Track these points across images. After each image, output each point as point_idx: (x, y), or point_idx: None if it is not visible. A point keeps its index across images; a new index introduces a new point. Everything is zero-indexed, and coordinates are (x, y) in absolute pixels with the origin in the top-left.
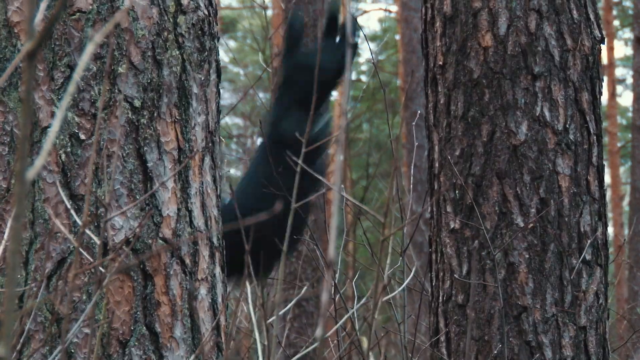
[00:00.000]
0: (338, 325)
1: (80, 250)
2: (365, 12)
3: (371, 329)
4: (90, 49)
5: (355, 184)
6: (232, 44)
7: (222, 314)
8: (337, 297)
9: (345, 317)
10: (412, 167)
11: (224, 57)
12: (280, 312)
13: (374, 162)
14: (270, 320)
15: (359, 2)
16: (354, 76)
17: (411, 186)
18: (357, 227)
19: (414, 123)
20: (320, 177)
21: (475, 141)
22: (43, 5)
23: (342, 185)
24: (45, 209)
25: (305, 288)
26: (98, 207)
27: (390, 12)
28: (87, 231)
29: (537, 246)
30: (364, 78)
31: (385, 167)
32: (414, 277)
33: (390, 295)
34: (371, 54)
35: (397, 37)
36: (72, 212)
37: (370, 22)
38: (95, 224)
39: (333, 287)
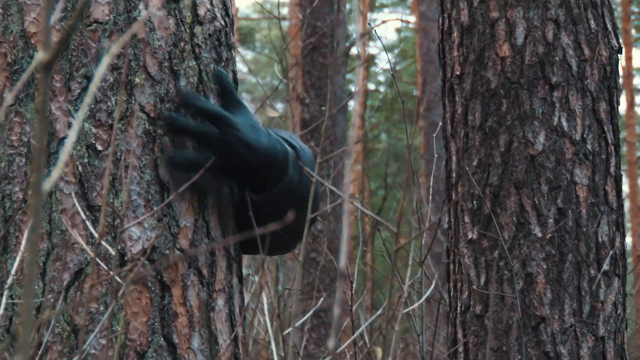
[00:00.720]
0: (353, 337)
1: (98, 261)
2: (383, 22)
3: (384, 340)
4: (106, 60)
5: (374, 194)
6: (249, 54)
7: (240, 325)
8: (355, 307)
9: (359, 330)
10: (432, 177)
11: (241, 67)
12: (298, 323)
13: (392, 172)
14: (288, 331)
15: (377, 12)
16: (372, 86)
17: (430, 197)
18: (376, 237)
19: (434, 135)
20: (334, 189)
21: (492, 151)
22: (57, 16)
23: (360, 195)
24: (62, 220)
25: (322, 299)
26: (115, 218)
27: (408, 22)
28: (103, 242)
29: (555, 256)
30: (381, 88)
31: (403, 177)
32: (433, 287)
33: (409, 308)
34: (390, 64)
35: (415, 47)
36: (88, 223)
37: (387, 32)
38: (113, 235)
39: (347, 299)
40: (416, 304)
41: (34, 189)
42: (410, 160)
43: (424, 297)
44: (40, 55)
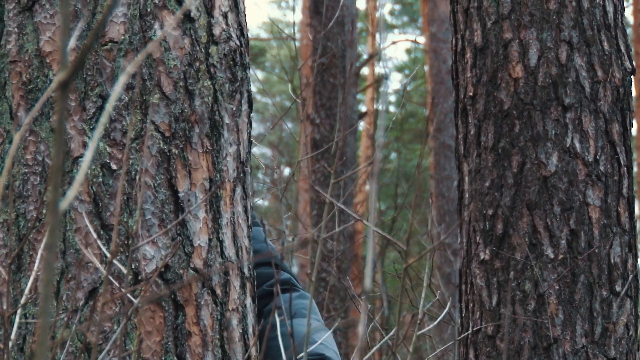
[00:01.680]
0: (368, 356)
1: (111, 279)
2: (393, 42)
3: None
4: (122, 79)
5: (384, 214)
6: (260, 74)
7: (254, 344)
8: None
9: (373, 349)
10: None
11: (252, 87)
12: (313, 347)
13: (402, 192)
14: (301, 355)
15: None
16: (382, 106)
17: (440, 217)
18: (386, 257)
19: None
20: (346, 210)
21: (505, 172)
22: (74, 35)
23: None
24: (76, 239)
25: (338, 321)
26: (130, 237)
27: (418, 43)
28: (115, 262)
29: (567, 277)
30: (392, 108)
31: (413, 197)
32: (442, 307)
33: (422, 330)
34: (402, 88)
35: (426, 68)
36: (99, 243)
37: (397, 53)
38: (127, 254)
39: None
40: (430, 326)
41: (51, 208)
42: (420, 180)
43: (439, 319)
44: (57, 75)
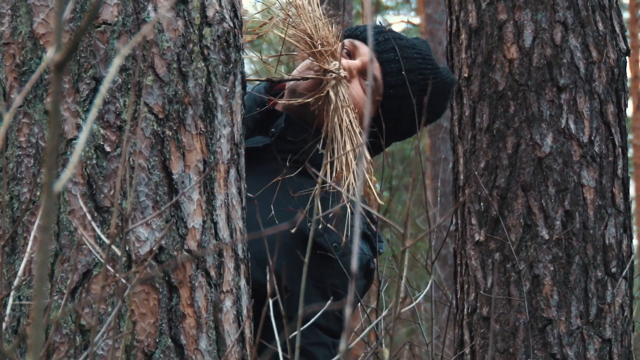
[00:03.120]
0: (361, 336)
1: (103, 262)
2: (389, 24)
3: (392, 341)
4: (117, 62)
5: (380, 195)
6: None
7: (247, 326)
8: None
9: (367, 330)
10: (439, 179)
11: (247, 70)
12: (305, 326)
13: (398, 175)
14: (295, 334)
15: (382, 14)
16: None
17: (437, 199)
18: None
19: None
20: (340, 190)
21: (500, 153)
22: (66, 17)
23: (365, 198)
24: (70, 221)
25: (329, 302)
26: (124, 219)
27: (413, 24)
28: (111, 244)
29: (562, 259)
30: None
31: (409, 179)
32: (440, 290)
33: (410, 306)
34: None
35: None
36: (94, 225)
37: None
38: (120, 236)
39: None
40: (415, 302)
41: (46, 190)
42: (416, 160)
43: (422, 293)
44: (51, 56)
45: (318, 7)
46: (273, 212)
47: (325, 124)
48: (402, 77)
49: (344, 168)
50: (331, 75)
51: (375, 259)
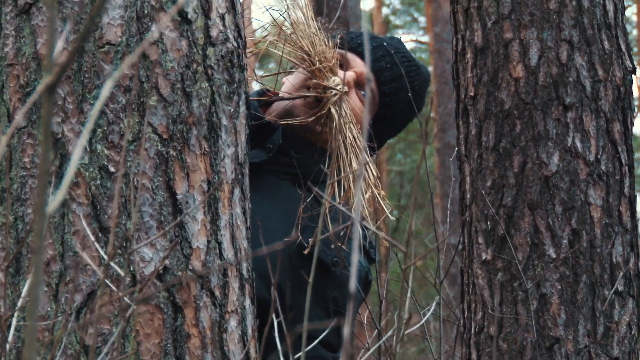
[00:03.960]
0: (366, 356)
1: (108, 283)
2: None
3: None
4: (115, 75)
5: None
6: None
7: (252, 346)
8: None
9: (370, 351)
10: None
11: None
12: (310, 346)
13: (406, 193)
14: (299, 355)
15: (392, 33)
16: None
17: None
18: (392, 259)
19: (450, 157)
20: (345, 211)
21: (506, 172)
22: (70, 38)
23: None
24: (74, 242)
25: (332, 323)
26: (128, 239)
27: (422, 43)
28: (113, 264)
29: (569, 277)
30: None
31: (418, 198)
32: (448, 308)
33: (416, 326)
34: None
35: (430, 68)
36: (96, 245)
37: None
38: (125, 256)
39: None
40: (422, 321)
41: (38, 212)
42: (418, 179)
43: (429, 312)
44: (44, 78)
45: (313, 21)
46: (283, 225)
47: (329, 142)
48: (395, 84)
49: (352, 185)
50: (331, 92)
51: (372, 268)
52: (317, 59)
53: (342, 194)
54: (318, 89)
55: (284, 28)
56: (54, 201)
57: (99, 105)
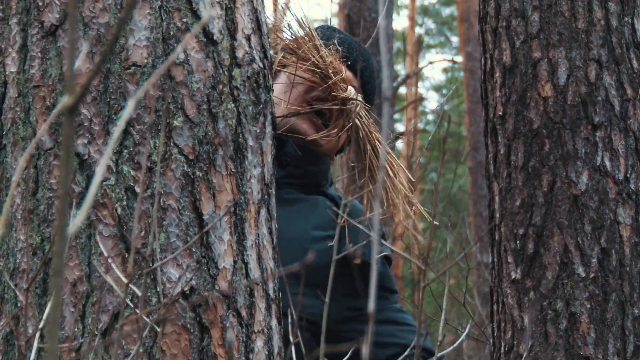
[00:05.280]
0: None
1: (129, 303)
2: (430, 62)
3: None
4: (138, 94)
5: (423, 233)
6: None
7: None
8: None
9: None
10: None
11: None
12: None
13: (440, 212)
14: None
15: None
16: (421, 125)
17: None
18: (428, 278)
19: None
20: (367, 231)
21: (535, 191)
22: (89, 58)
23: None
24: (101, 263)
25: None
26: (154, 260)
27: (455, 62)
28: (132, 286)
29: (599, 296)
30: (430, 128)
31: (451, 217)
32: (479, 327)
33: (450, 349)
34: (439, 107)
35: (463, 87)
36: (113, 266)
37: (434, 73)
38: (152, 277)
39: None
40: (457, 343)
41: (59, 234)
42: (436, 194)
43: (462, 336)
44: (64, 99)
45: (315, 35)
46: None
47: (359, 153)
48: (373, 80)
49: (394, 194)
50: (352, 103)
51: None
52: (330, 71)
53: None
54: (335, 100)
55: (292, 47)
56: (75, 223)
57: (122, 124)
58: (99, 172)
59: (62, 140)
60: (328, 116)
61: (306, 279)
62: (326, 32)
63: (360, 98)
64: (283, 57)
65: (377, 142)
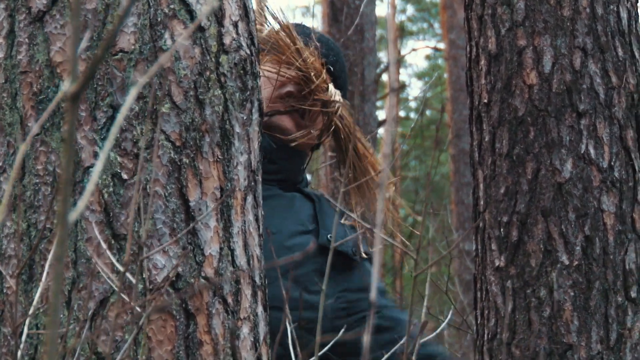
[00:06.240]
0: None
1: (121, 291)
2: (413, 49)
3: None
4: (134, 91)
5: (404, 221)
6: None
7: (264, 353)
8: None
9: (386, 356)
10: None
11: None
12: (321, 352)
13: (421, 200)
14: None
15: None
16: (402, 113)
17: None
18: (404, 265)
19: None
20: (359, 220)
21: (520, 179)
22: (82, 46)
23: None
24: (87, 249)
25: (342, 330)
26: (140, 246)
27: (438, 50)
28: (127, 272)
29: (582, 284)
30: (412, 115)
31: (433, 205)
32: (460, 315)
33: (432, 335)
34: (421, 95)
35: (445, 74)
36: (109, 254)
37: (417, 60)
38: (138, 263)
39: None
40: (434, 334)
41: (60, 220)
42: (427, 184)
43: (443, 324)
44: (67, 86)
45: (297, 38)
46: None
47: (340, 154)
48: (344, 73)
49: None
50: (334, 104)
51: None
52: (313, 73)
53: (359, 200)
54: (315, 100)
55: (275, 50)
56: (76, 210)
57: (124, 113)
58: (101, 162)
59: (66, 128)
60: (309, 114)
61: (286, 273)
62: (300, 29)
63: (340, 98)
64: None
65: (358, 142)
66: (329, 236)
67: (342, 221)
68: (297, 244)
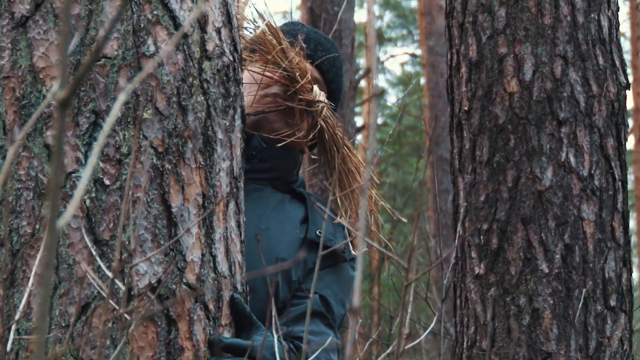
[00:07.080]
0: None
1: (105, 296)
2: (391, 56)
3: None
4: (121, 98)
5: (381, 228)
6: None
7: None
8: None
9: None
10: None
11: None
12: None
13: (399, 207)
14: None
15: (385, 45)
16: (380, 120)
17: (439, 231)
18: (382, 271)
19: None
20: (347, 225)
21: (500, 187)
22: (71, 48)
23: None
24: (69, 254)
25: (330, 339)
26: (122, 252)
27: (416, 56)
28: (114, 278)
29: (562, 292)
30: (389, 121)
31: (410, 211)
32: (439, 322)
33: (414, 342)
34: (399, 101)
35: (423, 81)
36: (97, 258)
37: (395, 66)
38: (120, 269)
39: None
40: (417, 341)
41: (49, 227)
42: (419, 194)
43: (426, 332)
44: (56, 92)
45: (282, 37)
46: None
47: (324, 154)
48: (335, 68)
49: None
50: (318, 105)
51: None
52: (298, 73)
53: (345, 203)
54: (302, 102)
55: (260, 49)
56: (65, 216)
57: (111, 120)
58: (89, 169)
59: (54, 134)
60: (293, 113)
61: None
62: (290, 27)
63: (324, 97)
64: (246, 55)
65: (342, 142)
66: (318, 232)
67: (333, 222)
68: (287, 240)
